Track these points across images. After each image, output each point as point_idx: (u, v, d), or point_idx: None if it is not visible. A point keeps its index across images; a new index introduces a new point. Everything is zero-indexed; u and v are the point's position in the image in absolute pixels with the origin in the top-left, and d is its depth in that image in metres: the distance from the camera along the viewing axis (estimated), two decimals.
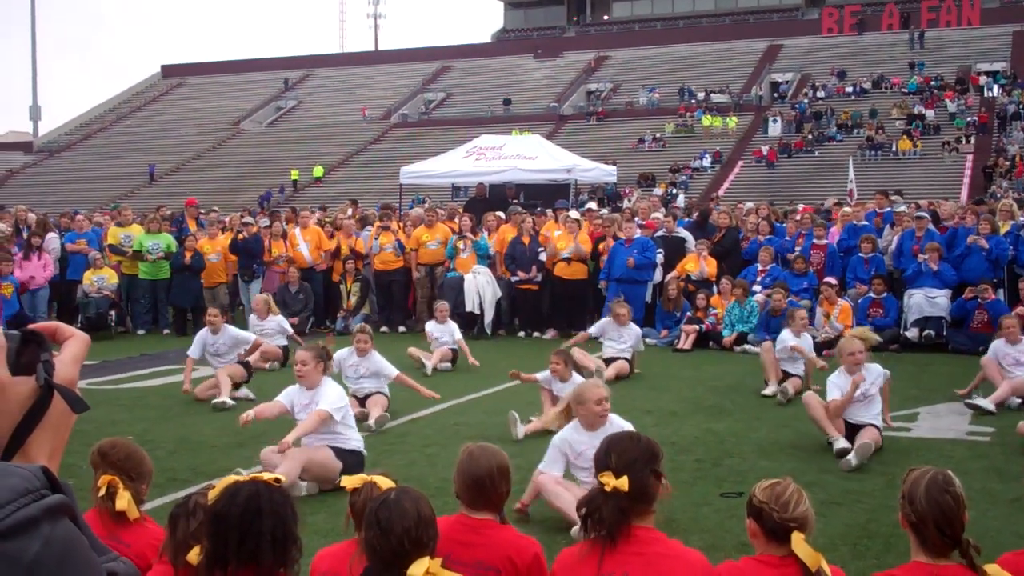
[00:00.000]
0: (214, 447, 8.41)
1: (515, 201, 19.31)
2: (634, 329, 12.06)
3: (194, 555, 2.95)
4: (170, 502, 4.13)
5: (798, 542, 3.45)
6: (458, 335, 12.79)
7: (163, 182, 62.51)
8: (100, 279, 16.45)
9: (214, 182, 60.70)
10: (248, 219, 18.03)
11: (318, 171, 60.63)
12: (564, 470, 6.08)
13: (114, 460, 4.03)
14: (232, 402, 10.17)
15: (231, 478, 2.98)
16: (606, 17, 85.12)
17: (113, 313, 16.63)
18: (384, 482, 3.50)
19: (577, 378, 8.67)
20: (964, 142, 51.16)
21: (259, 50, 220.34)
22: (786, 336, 10.85)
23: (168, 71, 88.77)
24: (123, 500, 3.90)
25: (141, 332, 16.66)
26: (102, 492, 3.95)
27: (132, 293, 16.95)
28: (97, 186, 61.59)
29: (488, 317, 15.78)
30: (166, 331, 16.71)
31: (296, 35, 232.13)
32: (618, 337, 11.94)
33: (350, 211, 19.87)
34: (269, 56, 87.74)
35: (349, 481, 3.75)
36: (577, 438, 5.96)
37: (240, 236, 16.71)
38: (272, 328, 12.89)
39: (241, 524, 2.83)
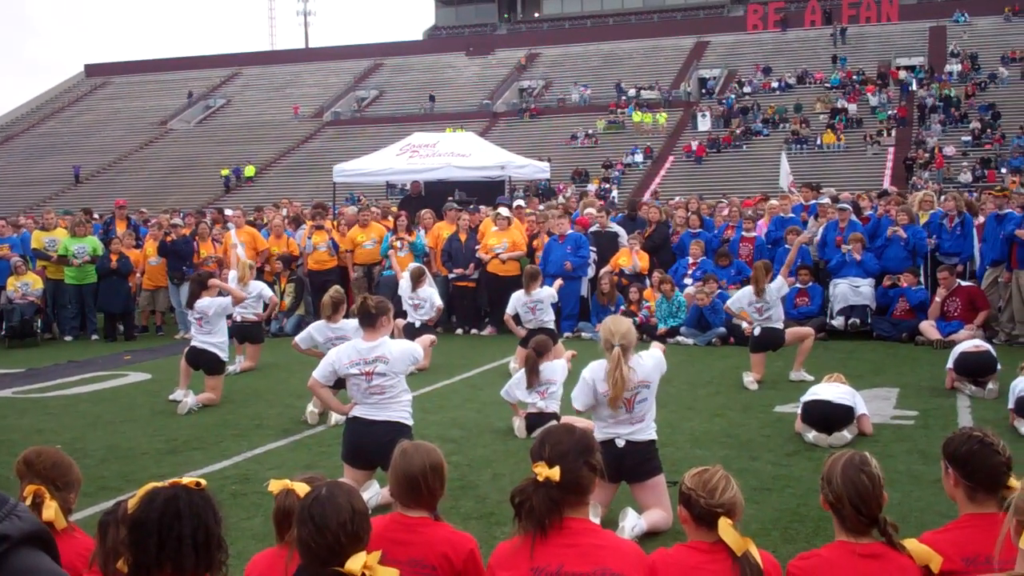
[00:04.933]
0: (145, 454, 8.29)
1: (451, 198, 19.31)
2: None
3: (123, 563, 2.90)
4: (101, 511, 4.08)
5: (725, 528, 3.52)
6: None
7: (89, 184, 61.43)
8: (24, 285, 16.09)
9: (141, 183, 59.77)
10: (177, 221, 17.75)
11: (249, 170, 60.11)
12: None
13: (40, 469, 3.95)
14: (192, 403, 10.11)
15: (152, 484, 2.94)
16: (537, 15, 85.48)
17: (39, 320, 16.28)
18: (303, 488, 3.45)
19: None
20: (885, 135, 52.32)
21: (186, 48, 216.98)
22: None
23: (92, 71, 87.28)
24: (50, 510, 3.82)
25: (68, 338, 16.37)
26: (28, 502, 3.86)
27: (58, 299, 16.62)
28: (20, 189, 60.36)
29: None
30: (94, 337, 16.44)
31: (224, 33, 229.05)
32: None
33: (285, 211, 19.69)
34: (196, 54, 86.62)
35: (275, 485, 3.73)
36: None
37: (169, 238, 16.46)
38: (252, 293, 12.65)
39: (160, 529, 2.77)
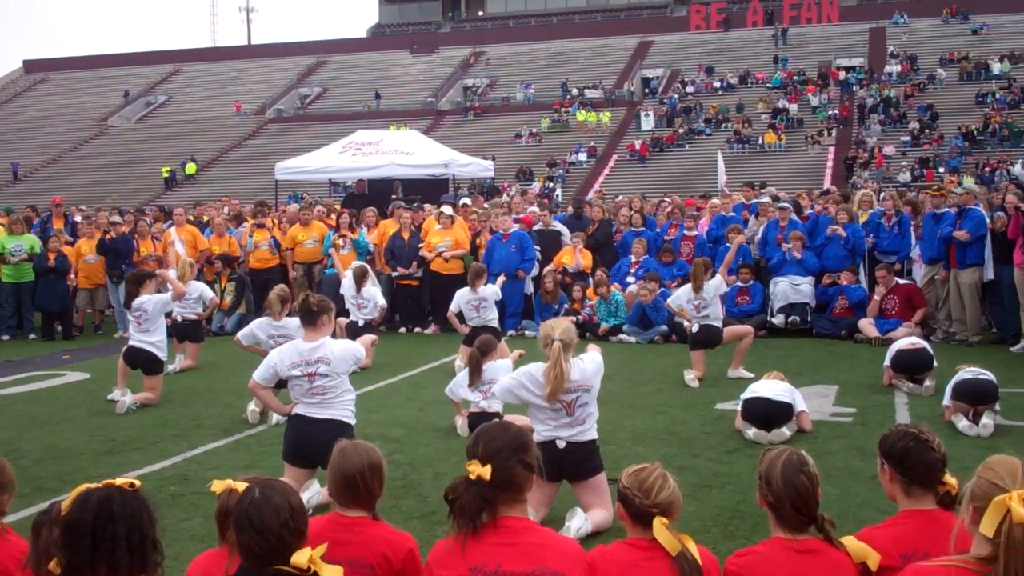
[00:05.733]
0: (82, 455, 8.18)
1: (394, 196, 19.25)
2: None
3: (55, 564, 2.87)
4: (37, 513, 4.00)
5: (659, 528, 3.53)
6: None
7: (27, 181, 60.33)
8: None
9: (81, 180, 58.88)
10: (116, 218, 17.48)
11: (191, 168, 59.41)
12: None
13: None
14: (130, 402, 9.98)
15: (86, 485, 2.90)
16: (481, 13, 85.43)
17: None
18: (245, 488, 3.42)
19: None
20: (826, 135, 53.04)
21: (127, 45, 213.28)
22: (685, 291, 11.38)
23: (30, 66, 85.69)
24: None
25: (6, 338, 16.03)
26: None
27: None
28: None
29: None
30: (32, 336, 16.15)
31: (166, 29, 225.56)
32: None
33: (226, 209, 19.49)
34: (138, 50, 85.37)
35: (218, 485, 3.69)
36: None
37: (108, 236, 16.22)
38: (192, 295, 12.45)
39: (94, 531, 2.75)
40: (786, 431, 8.18)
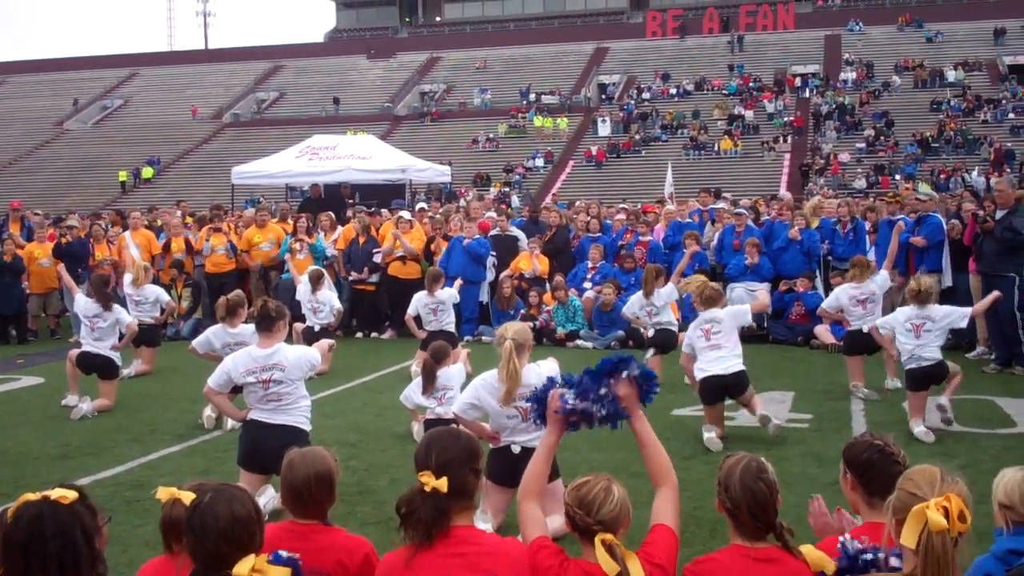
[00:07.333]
0: (37, 459, 8.10)
1: (351, 201, 19.17)
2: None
3: (3, 570, 2.85)
4: None
5: (598, 548, 3.38)
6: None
7: None
8: None
9: (38, 184, 58.13)
10: (72, 222, 17.27)
11: (147, 172, 58.84)
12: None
13: None
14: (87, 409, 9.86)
15: (25, 497, 2.88)
16: (438, 18, 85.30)
17: None
18: (190, 498, 3.36)
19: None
20: (782, 141, 53.46)
21: (83, 48, 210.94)
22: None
23: None
24: None
25: None
26: None
27: None
28: None
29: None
30: None
31: (122, 33, 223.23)
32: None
33: (178, 212, 19.32)
34: (94, 54, 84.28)
35: (163, 494, 3.65)
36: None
37: (64, 240, 16.02)
38: (149, 298, 12.35)
39: (25, 551, 2.77)
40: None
